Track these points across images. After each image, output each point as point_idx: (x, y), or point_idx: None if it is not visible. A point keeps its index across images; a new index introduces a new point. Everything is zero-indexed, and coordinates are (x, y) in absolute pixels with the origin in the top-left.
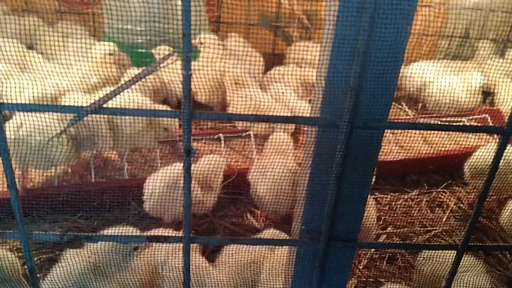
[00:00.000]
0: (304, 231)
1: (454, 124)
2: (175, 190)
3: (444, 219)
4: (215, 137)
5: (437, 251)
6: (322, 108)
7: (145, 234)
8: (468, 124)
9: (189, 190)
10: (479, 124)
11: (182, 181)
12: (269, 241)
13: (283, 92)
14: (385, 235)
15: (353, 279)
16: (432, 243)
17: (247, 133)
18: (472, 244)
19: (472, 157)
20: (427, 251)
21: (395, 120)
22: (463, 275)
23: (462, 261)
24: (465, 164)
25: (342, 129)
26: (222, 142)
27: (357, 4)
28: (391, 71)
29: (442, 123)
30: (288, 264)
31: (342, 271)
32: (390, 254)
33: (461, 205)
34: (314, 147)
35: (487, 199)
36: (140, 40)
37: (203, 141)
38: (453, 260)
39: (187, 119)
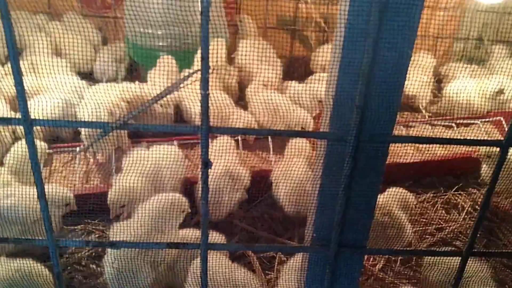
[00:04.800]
0: (315, 238)
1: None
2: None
3: (461, 219)
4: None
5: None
6: (330, 123)
7: (164, 241)
8: (483, 126)
9: (207, 200)
10: (493, 127)
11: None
12: (283, 248)
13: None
14: None
15: (369, 281)
16: (438, 248)
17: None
18: (476, 250)
19: None
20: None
21: (399, 135)
22: (468, 281)
23: (467, 266)
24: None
25: (349, 142)
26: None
27: (362, 30)
28: (393, 90)
29: (455, 125)
30: (301, 269)
31: (352, 276)
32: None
33: (477, 206)
34: (324, 159)
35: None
36: (160, 44)
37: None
38: (458, 265)
39: (205, 134)
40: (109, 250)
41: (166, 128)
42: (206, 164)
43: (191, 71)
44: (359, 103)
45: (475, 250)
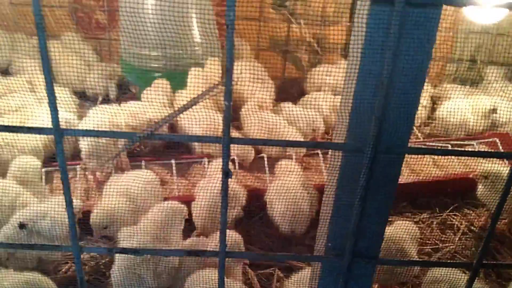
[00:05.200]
0: (330, 248)
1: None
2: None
3: (457, 239)
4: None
5: (446, 271)
6: (348, 135)
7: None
8: (478, 147)
9: (226, 209)
10: (488, 149)
11: None
12: (297, 257)
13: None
14: None
15: None
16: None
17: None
18: (486, 262)
19: None
20: (434, 273)
21: (415, 147)
22: None
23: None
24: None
25: (366, 154)
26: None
27: (381, 42)
28: (411, 102)
29: (451, 146)
30: (311, 278)
31: (365, 285)
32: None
33: (472, 227)
34: (340, 170)
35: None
36: (155, 65)
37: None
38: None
39: (226, 144)
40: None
41: (190, 138)
42: (227, 174)
43: (183, 92)
44: (378, 115)
45: (485, 262)
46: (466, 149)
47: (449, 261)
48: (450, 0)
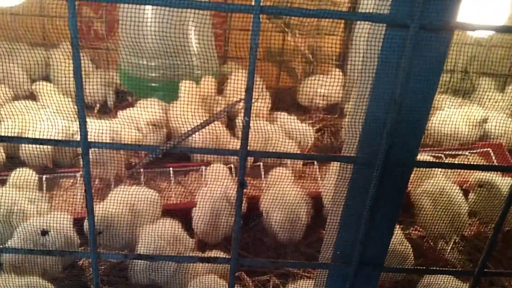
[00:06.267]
0: (338, 256)
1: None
2: None
3: (449, 248)
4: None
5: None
6: (358, 148)
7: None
8: (471, 157)
9: (240, 217)
10: (481, 159)
11: None
12: (305, 264)
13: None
14: None
15: None
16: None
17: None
18: (487, 270)
19: None
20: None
21: (424, 160)
22: None
23: None
24: None
25: (377, 167)
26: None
27: (394, 63)
28: (421, 118)
29: (444, 156)
30: (316, 285)
31: None
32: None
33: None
34: (350, 182)
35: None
36: (153, 75)
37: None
38: None
39: (244, 156)
40: None
41: (210, 151)
42: (242, 184)
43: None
44: (389, 130)
45: (487, 270)
46: (476, 163)
47: (450, 269)
48: (461, 26)
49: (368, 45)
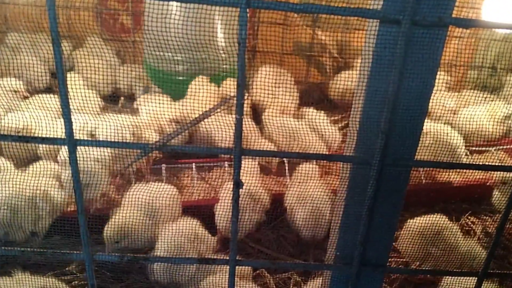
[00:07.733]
0: (339, 256)
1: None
2: None
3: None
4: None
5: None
6: (356, 148)
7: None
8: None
9: (237, 218)
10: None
11: None
12: (306, 266)
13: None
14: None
15: None
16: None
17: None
18: (492, 271)
19: None
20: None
21: (421, 160)
22: None
23: None
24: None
25: (373, 166)
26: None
27: (388, 61)
28: (417, 117)
29: (469, 152)
30: (322, 286)
31: None
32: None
33: (489, 230)
34: (348, 182)
35: None
36: (179, 68)
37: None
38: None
39: (238, 155)
40: None
41: (202, 150)
42: (238, 184)
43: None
44: (384, 129)
45: (491, 271)
46: (473, 163)
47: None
48: (455, 22)
49: (364, 43)
